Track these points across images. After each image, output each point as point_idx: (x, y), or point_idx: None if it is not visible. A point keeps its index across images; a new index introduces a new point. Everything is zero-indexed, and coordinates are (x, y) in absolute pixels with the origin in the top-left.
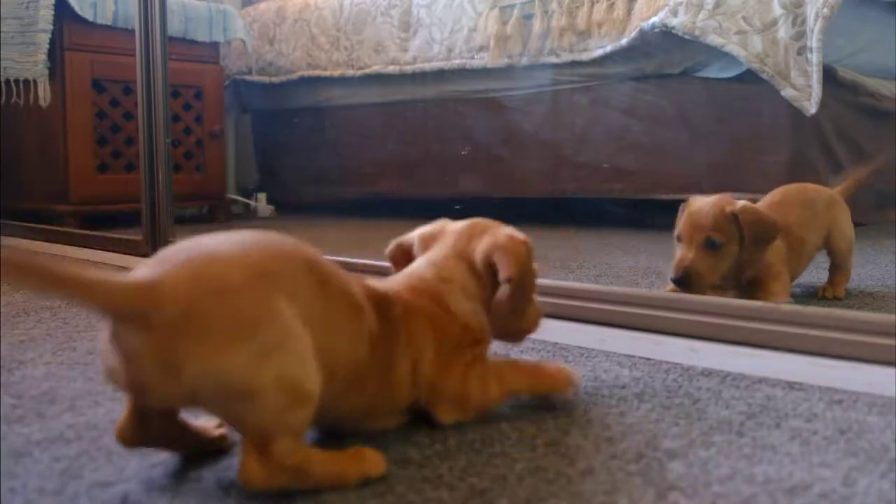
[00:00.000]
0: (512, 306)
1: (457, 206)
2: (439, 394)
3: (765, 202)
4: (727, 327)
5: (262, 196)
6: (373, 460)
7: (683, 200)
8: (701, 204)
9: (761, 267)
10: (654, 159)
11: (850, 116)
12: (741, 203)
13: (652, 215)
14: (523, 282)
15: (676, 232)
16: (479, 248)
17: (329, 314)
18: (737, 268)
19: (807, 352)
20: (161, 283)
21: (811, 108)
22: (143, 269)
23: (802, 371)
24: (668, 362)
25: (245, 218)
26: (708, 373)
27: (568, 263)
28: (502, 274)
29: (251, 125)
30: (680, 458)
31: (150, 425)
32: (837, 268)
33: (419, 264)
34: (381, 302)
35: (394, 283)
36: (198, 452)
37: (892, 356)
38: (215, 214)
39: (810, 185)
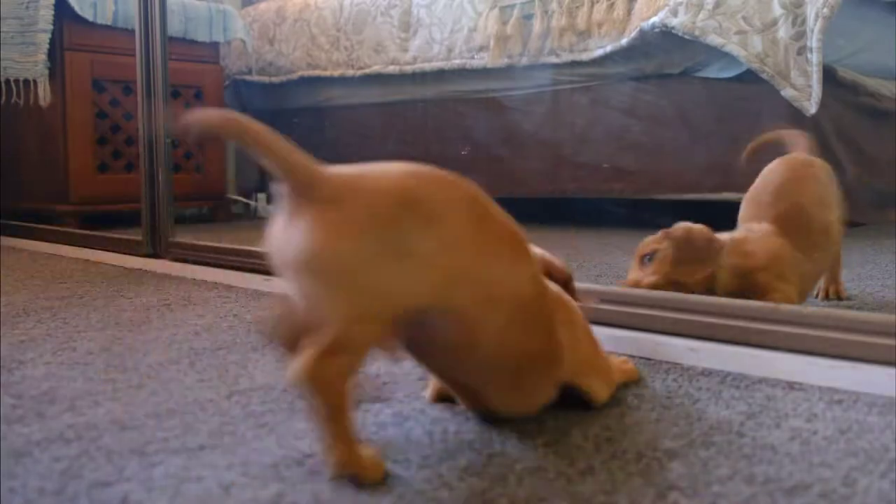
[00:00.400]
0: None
1: None
2: (590, 368)
3: (771, 182)
4: (727, 327)
5: (262, 196)
6: (374, 466)
7: (683, 201)
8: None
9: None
10: (654, 159)
11: (850, 116)
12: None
13: (652, 215)
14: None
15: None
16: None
17: (487, 245)
18: (704, 281)
19: (807, 352)
20: (329, 172)
21: (811, 108)
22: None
23: (802, 371)
24: (668, 362)
25: (245, 218)
26: (708, 373)
27: (568, 264)
28: (559, 272)
29: None
30: (680, 458)
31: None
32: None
33: None
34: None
35: None
36: None
37: (893, 356)
38: (215, 214)
39: (808, 157)
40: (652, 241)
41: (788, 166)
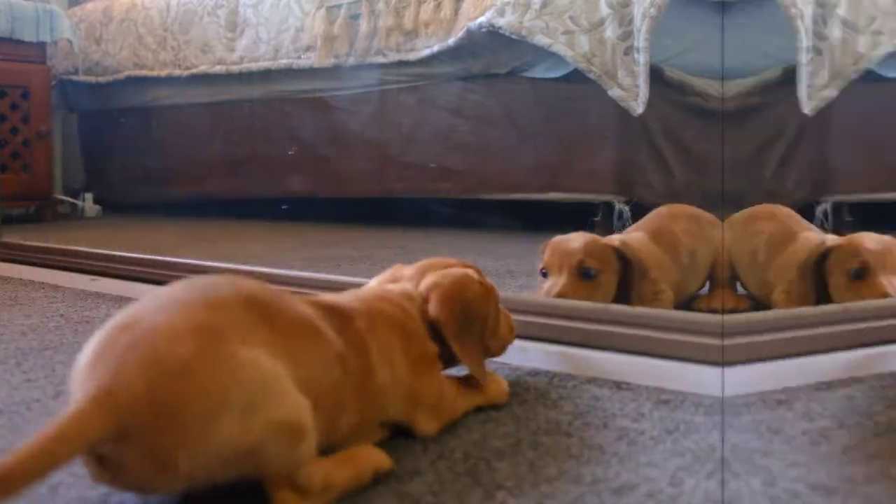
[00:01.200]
0: (456, 348)
1: (284, 206)
2: (417, 401)
3: (646, 219)
4: (554, 327)
5: (89, 196)
6: (377, 454)
7: (510, 201)
8: (567, 237)
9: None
10: (482, 159)
11: (677, 116)
12: (617, 237)
13: (479, 215)
14: (459, 322)
15: (541, 266)
16: (423, 283)
17: (288, 349)
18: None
19: (635, 351)
20: (118, 387)
21: (638, 107)
22: (88, 379)
23: (630, 371)
24: (495, 362)
25: (72, 218)
26: (535, 373)
27: (395, 263)
28: (430, 313)
29: (78, 125)
30: (507, 459)
31: None
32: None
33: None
34: (340, 317)
35: (347, 296)
36: None
37: (719, 356)
38: (42, 214)
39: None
40: (584, 240)
41: (671, 207)
